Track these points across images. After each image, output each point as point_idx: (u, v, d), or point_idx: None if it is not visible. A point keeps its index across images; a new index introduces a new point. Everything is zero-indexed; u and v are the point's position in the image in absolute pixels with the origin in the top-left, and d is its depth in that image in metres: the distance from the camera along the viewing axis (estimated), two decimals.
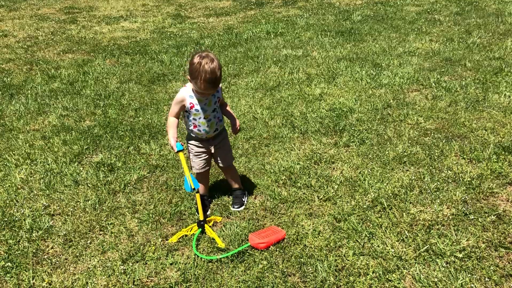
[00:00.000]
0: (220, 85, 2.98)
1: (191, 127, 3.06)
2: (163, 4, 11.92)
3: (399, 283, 2.58)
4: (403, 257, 2.75)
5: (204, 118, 2.99)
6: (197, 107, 2.94)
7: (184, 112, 3.03)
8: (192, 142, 3.17)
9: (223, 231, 3.09)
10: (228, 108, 3.20)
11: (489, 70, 5.73)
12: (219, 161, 3.28)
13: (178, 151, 2.98)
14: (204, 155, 3.21)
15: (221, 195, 3.51)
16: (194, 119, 3.00)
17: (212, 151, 3.20)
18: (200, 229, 3.02)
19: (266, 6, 11.22)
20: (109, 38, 8.83)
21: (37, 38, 8.84)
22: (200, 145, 3.17)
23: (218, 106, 3.06)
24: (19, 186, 3.78)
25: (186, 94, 2.93)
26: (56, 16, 10.75)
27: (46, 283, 2.72)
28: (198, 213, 3.06)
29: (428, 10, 9.41)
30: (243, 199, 3.39)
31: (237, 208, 3.33)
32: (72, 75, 6.60)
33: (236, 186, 3.42)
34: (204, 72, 2.71)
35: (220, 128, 3.15)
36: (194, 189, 2.95)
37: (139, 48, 7.98)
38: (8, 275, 2.79)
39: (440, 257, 2.73)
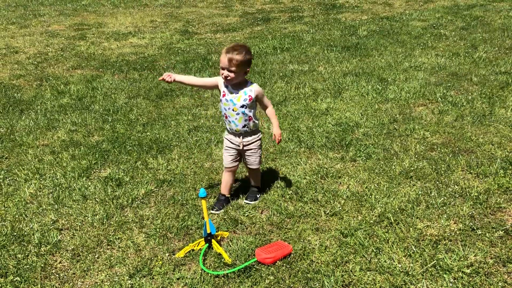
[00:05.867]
0: (258, 88, 3.33)
1: (223, 117, 3.39)
2: (171, 20, 12.09)
3: None
4: (410, 273, 2.74)
5: (233, 110, 3.27)
6: (227, 97, 3.26)
7: (219, 103, 3.50)
8: (226, 136, 3.49)
9: (230, 246, 3.10)
10: (268, 111, 3.45)
11: (496, 84, 5.74)
12: (246, 162, 3.55)
13: (201, 198, 2.95)
14: (233, 151, 3.46)
15: (228, 210, 3.52)
16: (224, 108, 3.31)
17: (240, 147, 3.42)
18: (207, 244, 3.03)
19: (272, 21, 11.34)
20: (117, 54, 8.95)
21: (47, 54, 8.99)
22: (231, 141, 3.43)
23: (249, 105, 3.26)
24: (28, 201, 3.82)
25: (222, 81, 3.32)
26: (65, 32, 10.94)
27: None
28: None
29: (434, 25, 9.46)
30: (257, 195, 3.66)
31: (249, 201, 3.58)
32: (81, 90, 6.69)
33: (254, 183, 3.70)
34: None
35: (250, 127, 3.35)
36: (209, 233, 3.01)
37: (147, 64, 8.08)
38: None
39: (447, 272, 2.71)
